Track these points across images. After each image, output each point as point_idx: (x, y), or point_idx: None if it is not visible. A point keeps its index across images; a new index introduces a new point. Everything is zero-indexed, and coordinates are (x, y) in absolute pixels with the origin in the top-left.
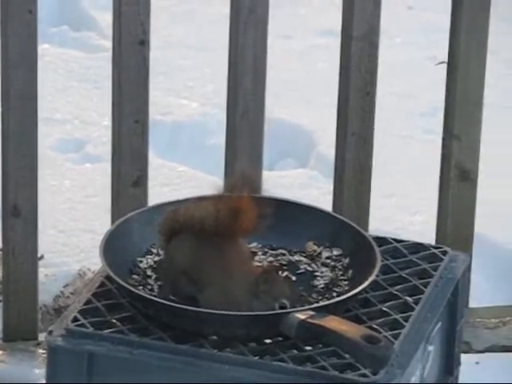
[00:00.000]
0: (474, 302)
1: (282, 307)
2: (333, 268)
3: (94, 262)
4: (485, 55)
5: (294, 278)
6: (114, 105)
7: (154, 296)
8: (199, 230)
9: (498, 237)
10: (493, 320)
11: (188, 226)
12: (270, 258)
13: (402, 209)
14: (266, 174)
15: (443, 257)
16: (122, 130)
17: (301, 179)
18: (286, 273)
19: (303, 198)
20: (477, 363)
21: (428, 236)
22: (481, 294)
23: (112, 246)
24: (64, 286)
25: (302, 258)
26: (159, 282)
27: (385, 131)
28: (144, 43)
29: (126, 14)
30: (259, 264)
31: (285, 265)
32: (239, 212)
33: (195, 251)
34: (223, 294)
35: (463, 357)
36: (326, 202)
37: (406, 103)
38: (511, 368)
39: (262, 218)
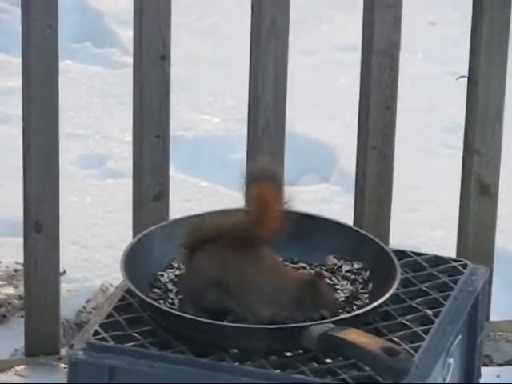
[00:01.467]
0: (495, 316)
1: (322, 318)
2: (353, 281)
3: (116, 277)
4: (505, 70)
5: None
6: (135, 119)
7: (175, 310)
8: (228, 237)
9: None
10: None
11: (214, 235)
12: None
13: (424, 223)
14: (287, 189)
15: (463, 270)
16: (143, 144)
17: (323, 194)
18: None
19: (325, 213)
20: (497, 376)
21: (449, 251)
22: (502, 308)
23: (133, 260)
24: (86, 302)
25: (323, 272)
26: (180, 296)
27: (406, 146)
28: (165, 58)
29: (147, 28)
30: (303, 270)
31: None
32: (266, 208)
33: (226, 262)
34: (266, 303)
35: (484, 370)
36: (347, 217)
37: (427, 118)
38: None
39: (286, 217)
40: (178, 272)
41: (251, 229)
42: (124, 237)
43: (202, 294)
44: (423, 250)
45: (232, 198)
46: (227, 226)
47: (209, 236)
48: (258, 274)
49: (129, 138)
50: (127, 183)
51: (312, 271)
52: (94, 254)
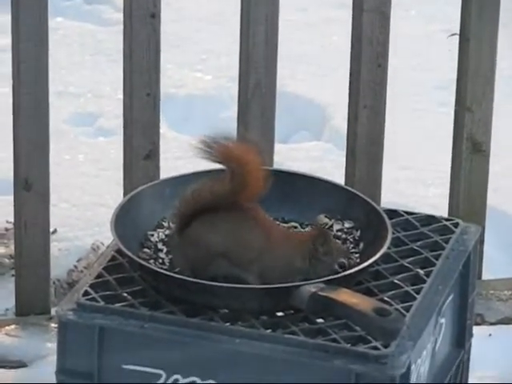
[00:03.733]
0: (487, 274)
1: (341, 266)
2: (344, 241)
3: (108, 236)
4: (497, 26)
5: None
6: (126, 78)
7: (165, 270)
8: (215, 204)
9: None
10: (506, 292)
11: (206, 205)
12: None
13: (417, 182)
14: (280, 147)
15: (455, 229)
16: (133, 102)
17: (315, 152)
18: None
19: (317, 171)
20: (489, 335)
21: (442, 209)
22: (494, 266)
23: (123, 220)
24: (77, 261)
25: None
26: (170, 256)
27: (400, 104)
28: (155, 16)
29: None
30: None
31: None
32: (246, 164)
33: (229, 231)
34: (280, 266)
35: (476, 329)
36: (339, 175)
37: (421, 76)
38: None
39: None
40: (168, 232)
41: (236, 193)
42: (116, 195)
43: (207, 264)
44: (416, 209)
45: None
46: (215, 194)
47: (201, 207)
48: (265, 238)
49: (121, 95)
50: (119, 141)
51: (315, 227)
52: (86, 212)
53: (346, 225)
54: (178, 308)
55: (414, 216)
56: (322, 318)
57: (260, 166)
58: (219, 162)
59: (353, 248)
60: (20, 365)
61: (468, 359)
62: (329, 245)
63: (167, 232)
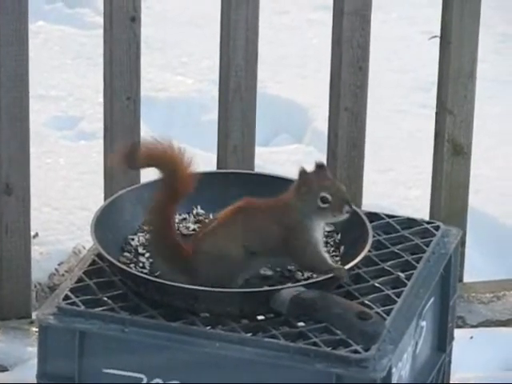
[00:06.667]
0: (469, 277)
1: (323, 201)
2: (325, 244)
3: (89, 240)
4: (477, 29)
5: None
6: (106, 81)
7: (146, 274)
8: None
9: (493, 211)
10: (487, 295)
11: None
12: None
13: (398, 184)
14: (261, 150)
15: (435, 232)
16: (113, 106)
17: (296, 155)
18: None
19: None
20: (471, 338)
21: (423, 211)
22: (476, 269)
23: (103, 224)
24: (59, 264)
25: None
26: (151, 260)
27: (381, 106)
28: (135, 20)
29: None
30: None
31: None
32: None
33: (239, 230)
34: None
35: (457, 331)
36: None
37: (402, 78)
38: (505, 343)
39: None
40: (148, 236)
41: (172, 187)
42: (97, 199)
43: (239, 269)
44: (397, 211)
45: (205, 158)
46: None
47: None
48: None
49: (101, 99)
50: (100, 145)
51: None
52: (67, 216)
53: (327, 228)
54: (159, 312)
55: (395, 219)
56: (302, 321)
57: (183, 158)
58: (147, 165)
59: (333, 251)
60: (1, 369)
61: (449, 362)
62: (309, 185)
63: (148, 236)
